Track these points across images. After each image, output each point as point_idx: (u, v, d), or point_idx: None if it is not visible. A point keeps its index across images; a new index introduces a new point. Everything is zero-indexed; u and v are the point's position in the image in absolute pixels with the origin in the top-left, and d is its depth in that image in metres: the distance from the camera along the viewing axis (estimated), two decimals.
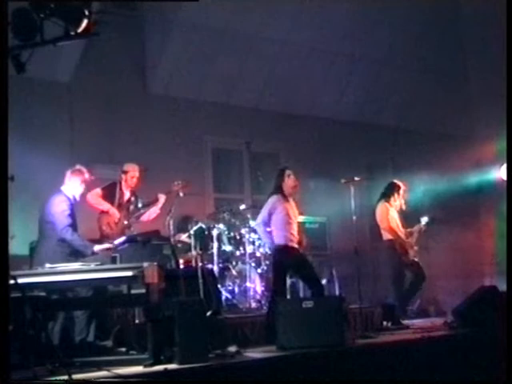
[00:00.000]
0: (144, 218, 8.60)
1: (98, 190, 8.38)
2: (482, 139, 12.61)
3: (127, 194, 8.54)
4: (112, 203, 8.38)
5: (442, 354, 7.09)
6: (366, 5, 11.03)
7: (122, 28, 10.20)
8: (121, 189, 8.50)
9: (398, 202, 9.10)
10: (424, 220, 9.26)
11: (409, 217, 9.41)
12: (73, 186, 7.22)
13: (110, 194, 8.42)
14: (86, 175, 7.30)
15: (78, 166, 7.34)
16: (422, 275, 9.00)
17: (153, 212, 8.59)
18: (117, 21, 9.99)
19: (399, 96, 12.71)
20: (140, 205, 8.57)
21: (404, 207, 9.15)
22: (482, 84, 12.84)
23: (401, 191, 9.11)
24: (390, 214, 8.96)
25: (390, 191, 9.10)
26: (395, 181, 9.22)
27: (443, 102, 12.71)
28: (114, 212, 8.32)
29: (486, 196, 12.78)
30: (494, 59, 10.67)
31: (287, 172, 7.86)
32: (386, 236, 8.98)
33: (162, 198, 8.48)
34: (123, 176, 8.47)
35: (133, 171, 8.46)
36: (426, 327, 8.45)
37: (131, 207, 8.51)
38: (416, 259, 9.04)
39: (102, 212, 8.38)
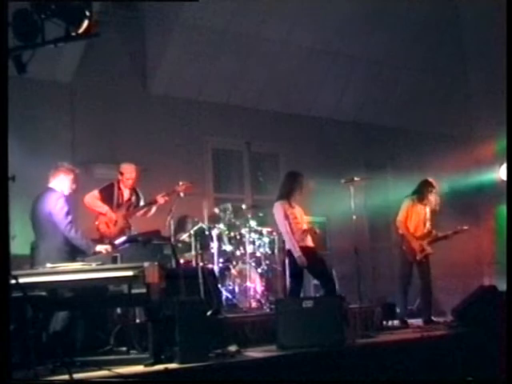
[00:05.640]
0: (139, 214, 8.57)
1: (96, 192, 8.37)
2: (482, 139, 12.63)
3: (126, 193, 8.51)
4: (111, 204, 8.37)
5: (441, 353, 7.11)
6: (366, 5, 11.04)
7: (122, 28, 10.21)
8: (119, 188, 8.47)
9: (429, 200, 8.97)
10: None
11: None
12: (59, 182, 7.13)
13: (107, 195, 8.40)
14: (70, 174, 7.16)
15: (59, 163, 7.25)
16: (425, 280, 8.97)
17: (149, 211, 8.57)
18: (117, 21, 10.02)
19: (399, 96, 12.71)
20: (142, 203, 8.57)
21: (437, 207, 9.02)
22: (482, 84, 12.86)
23: (433, 189, 9.00)
24: (410, 209, 8.91)
25: (420, 188, 9.03)
26: (428, 179, 9.09)
27: (443, 102, 12.73)
28: (111, 215, 8.31)
29: (486, 196, 12.79)
30: (494, 59, 10.68)
31: (304, 179, 7.96)
32: (398, 231, 9.01)
33: (161, 200, 8.46)
34: (120, 177, 8.46)
35: (129, 173, 8.40)
36: (426, 327, 8.46)
37: (132, 206, 8.50)
38: (423, 261, 8.94)
39: (100, 213, 8.39)
